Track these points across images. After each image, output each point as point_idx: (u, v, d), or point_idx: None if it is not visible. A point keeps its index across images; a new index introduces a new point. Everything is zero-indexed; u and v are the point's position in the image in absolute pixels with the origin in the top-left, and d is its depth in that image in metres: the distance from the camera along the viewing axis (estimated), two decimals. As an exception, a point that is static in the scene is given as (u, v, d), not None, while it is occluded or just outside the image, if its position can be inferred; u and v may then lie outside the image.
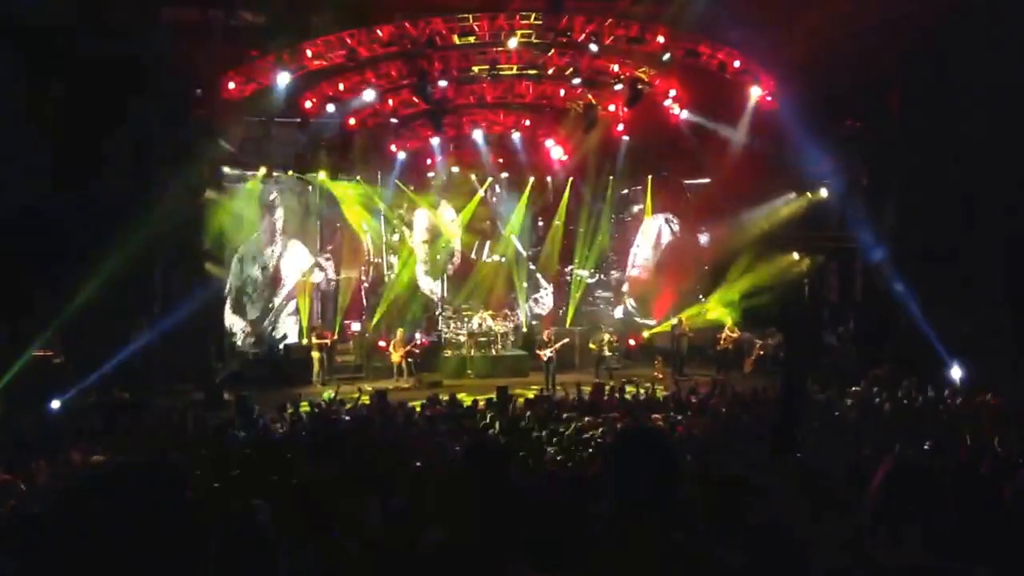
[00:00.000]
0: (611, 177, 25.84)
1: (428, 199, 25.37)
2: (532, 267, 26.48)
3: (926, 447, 9.83)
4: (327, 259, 24.11)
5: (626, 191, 26.50)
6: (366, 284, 24.94)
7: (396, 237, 25.49)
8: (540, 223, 26.52)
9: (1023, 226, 17.25)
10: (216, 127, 19.62)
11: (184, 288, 19.67)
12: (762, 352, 21.68)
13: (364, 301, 24.77)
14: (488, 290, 25.43)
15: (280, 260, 23.30)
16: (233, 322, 22.38)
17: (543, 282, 26.42)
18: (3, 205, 15.24)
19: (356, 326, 23.85)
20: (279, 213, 23.28)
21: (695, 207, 25.86)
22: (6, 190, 15.18)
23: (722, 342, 21.45)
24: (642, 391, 16.98)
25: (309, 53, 18.16)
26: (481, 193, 25.79)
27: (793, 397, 11.82)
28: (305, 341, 22.33)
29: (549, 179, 25.90)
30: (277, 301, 23.22)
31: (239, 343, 22.42)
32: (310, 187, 23.60)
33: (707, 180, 25.20)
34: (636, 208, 26.51)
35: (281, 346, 22.74)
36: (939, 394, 14.66)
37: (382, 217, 24.91)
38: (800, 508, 5.00)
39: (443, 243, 25.66)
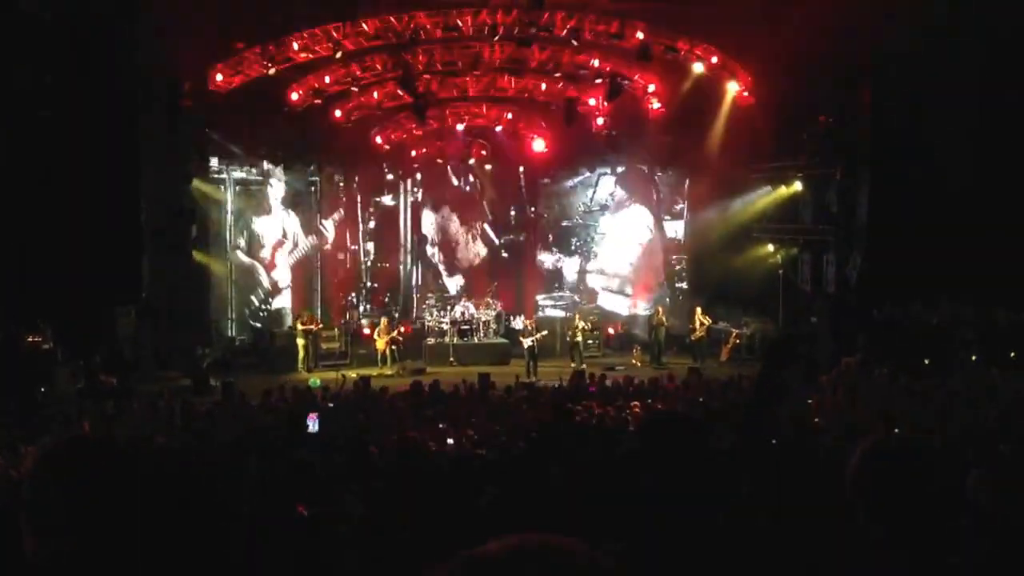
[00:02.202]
0: (590, 170, 26.25)
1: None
2: (505, 255, 26.78)
3: (896, 431, 10.28)
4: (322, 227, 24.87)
5: (605, 182, 26.80)
6: (347, 265, 25.44)
7: (372, 224, 25.83)
8: (513, 212, 26.76)
9: (994, 220, 17.74)
10: (203, 118, 19.91)
11: (171, 276, 20.00)
12: (738, 341, 22.11)
13: (356, 280, 25.33)
14: (470, 280, 25.78)
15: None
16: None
17: (520, 275, 26.71)
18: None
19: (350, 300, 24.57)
20: (277, 186, 23.95)
21: (671, 199, 26.31)
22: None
23: (696, 330, 21.84)
24: (621, 378, 17.40)
25: (295, 45, 18.47)
26: (455, 182, 26.17)
27: (768, 385, 12.14)
28: (289, 327, 22.72)
29: (521, 168, 26.15)
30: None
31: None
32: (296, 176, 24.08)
33: (683, 172, 25.66)
34: (614, 199, 26.83)
35: (265, 323, 23.27)
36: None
37: (358, 203, 25.32)
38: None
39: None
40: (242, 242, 23.54)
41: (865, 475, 2.77)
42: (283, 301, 24.07)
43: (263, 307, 23.70)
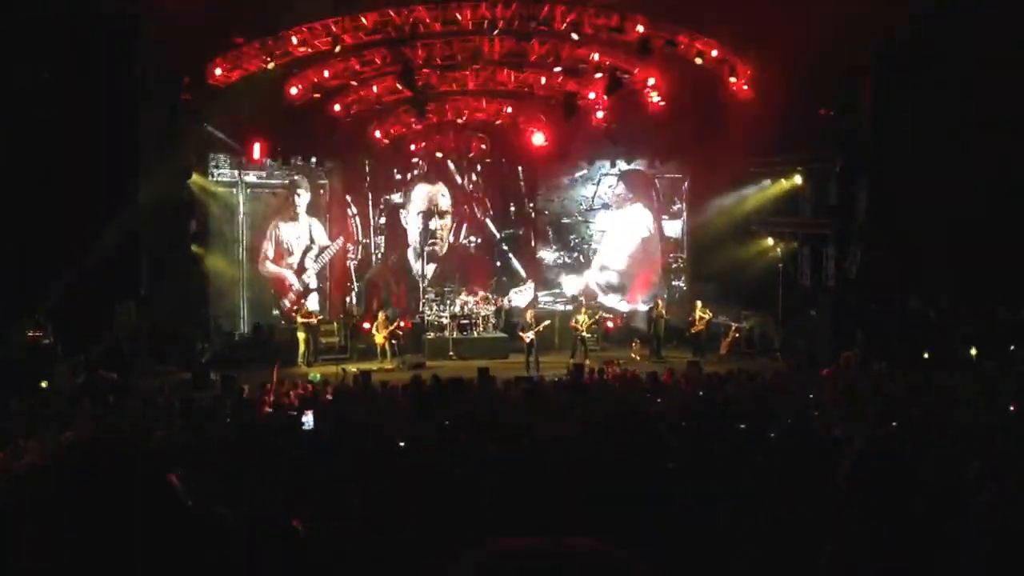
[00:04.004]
0: (589, 164, 26.26)
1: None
2: (505, 248, 26.75)
3: (894, 424, 10.32)
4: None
5: (605, 177, 26.80)
6: (355, 261, 25.46)
7: (383, 220, 25.87)
8: (513, 207, 26.73)
9: (992, 214, 17.75)
10: (202, 113, 19.90)
11: (170, 271, 20.00)
12: (737, 335, 22.13)
13: (354, 277, 25.34)
14: (469, 273, 25.75)
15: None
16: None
17: (520, 269, 26.69)
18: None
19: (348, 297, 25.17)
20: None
21: (670, 197, 26.33)
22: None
23: (696, 323, 21.86)
24: (620, 372, 17.41)
25: (294, 40, 18.45)
26: (462, 181, 26.23)
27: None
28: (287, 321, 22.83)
29: (520, 168, 26.16)
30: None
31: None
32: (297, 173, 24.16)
33: (683, 166, 25.71)
34: (613, 194, 26.84)
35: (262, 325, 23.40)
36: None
37: (369, 200, 25.38)
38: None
39: (438, 222, 26.13)
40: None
41: (860, 474, 2.81)
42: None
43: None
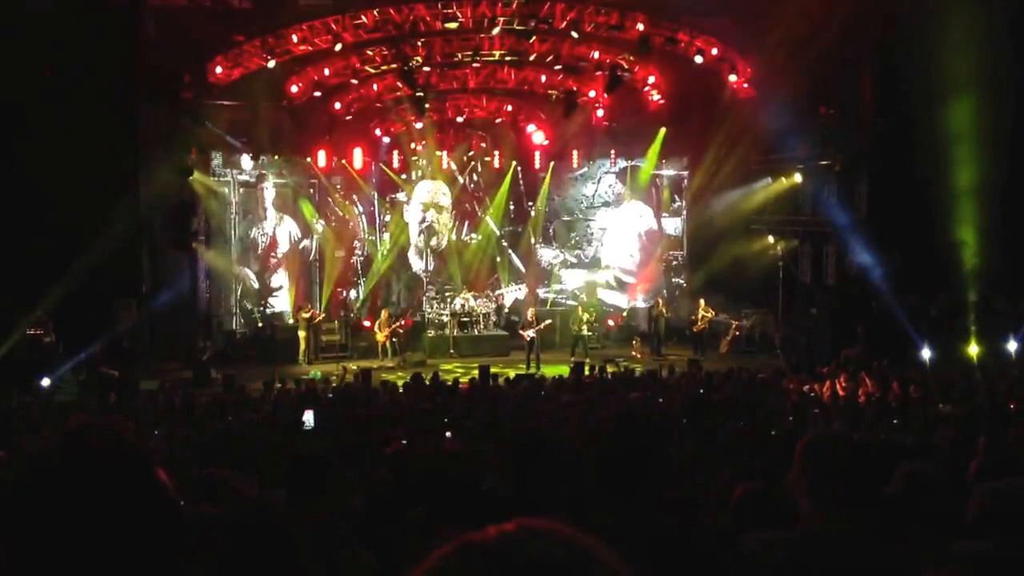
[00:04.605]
0: (589, 162, 26.23)
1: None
2: (504, 244, 26.69)
3: (895, 422, 10.37)
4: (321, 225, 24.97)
5: (605, 175, 26.79)
6: (361, 258, 25.42)
7: (388, 218, 25.83)
8: (512, 207, 26.68)
9: (991, 212, 17.75)
10: (203, 111, 19.90)
11: (171, 269, 20.02)
12: (738, 333, 22.13)
13: (359, 274, 25.35)
14: (470, 271, 25.73)
15: (276, 229, 24.40)
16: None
17: (520, 267, 26.66)
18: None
19: (352, 294, 24.93)
20: (269, 189, 24.13)
21: (670, 192, 26.32)
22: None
23: (699, 322, 21.86)
24: (621, 369, 17.47)
25: (295, 38, 18.44)
26: (463, 179, 26.17)
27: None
28: (291, 320, 22.75)
29: (516, 164, 26.08)
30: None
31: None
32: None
33: (683, 164, 25.71)
34: (614, 193, 26.83)
35: (264, 322, 23.29)
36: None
37: (375, 198, 25.34)
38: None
39: (437, 218, 25.99)
40: (236, 247, 23.80)
41: (803, 467, 2.89)
42: (280, 304, 24.17)
43: (257, 311, 23.76)
